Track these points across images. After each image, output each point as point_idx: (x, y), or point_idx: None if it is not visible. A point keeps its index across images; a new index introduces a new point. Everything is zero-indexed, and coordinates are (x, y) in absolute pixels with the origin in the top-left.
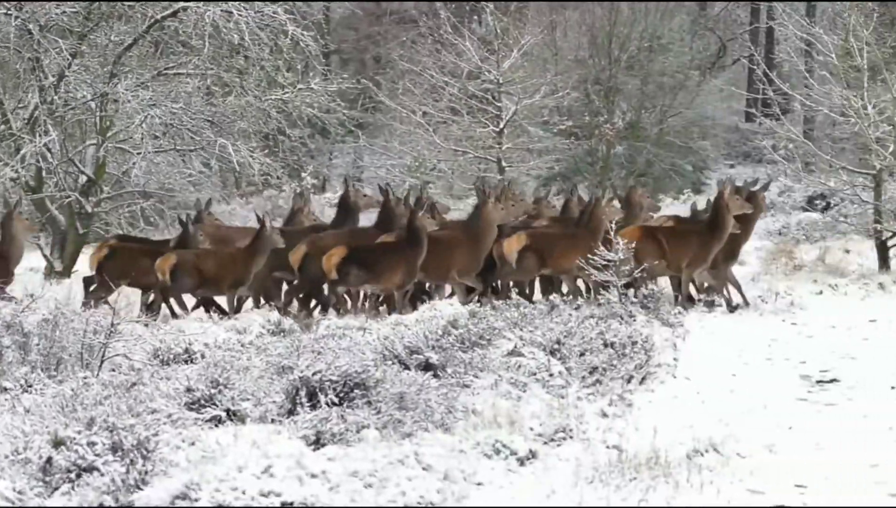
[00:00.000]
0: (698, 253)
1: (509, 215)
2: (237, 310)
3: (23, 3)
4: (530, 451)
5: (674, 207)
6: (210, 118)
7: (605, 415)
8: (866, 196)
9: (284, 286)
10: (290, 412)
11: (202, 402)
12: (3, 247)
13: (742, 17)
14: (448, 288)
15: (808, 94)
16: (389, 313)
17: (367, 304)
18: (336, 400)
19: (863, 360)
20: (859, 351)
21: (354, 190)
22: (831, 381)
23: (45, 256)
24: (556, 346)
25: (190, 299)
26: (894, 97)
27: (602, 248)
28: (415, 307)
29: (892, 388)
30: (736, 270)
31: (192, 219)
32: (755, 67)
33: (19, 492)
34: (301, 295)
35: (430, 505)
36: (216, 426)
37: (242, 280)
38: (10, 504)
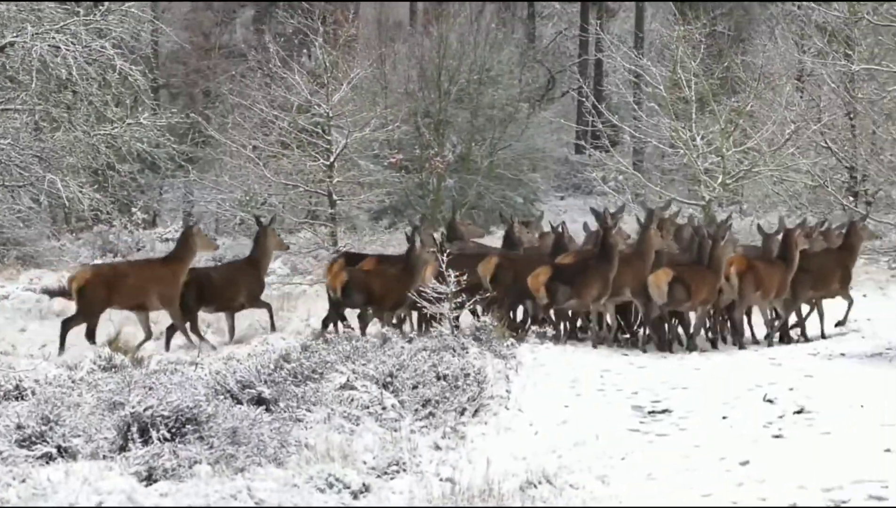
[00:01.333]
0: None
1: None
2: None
3: None
4: (363, 485)
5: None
6: (39, 154)
7: (438, 448)
8: None
9: None
10: (122, 448)
11: (33, 439)
12: None
13: (571, 49)
14: None
15: (637, 125)
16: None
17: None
18: (168, 436)
19: (694, 390)
20: (691, 381)
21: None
22: (663, 411)
23: None
24: (388, 379)
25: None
26: (722, 128)
27: None
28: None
29: (724, 418)
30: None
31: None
32: (584, 99)
33: None
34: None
35: None
36: (47, 462)
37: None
38: None
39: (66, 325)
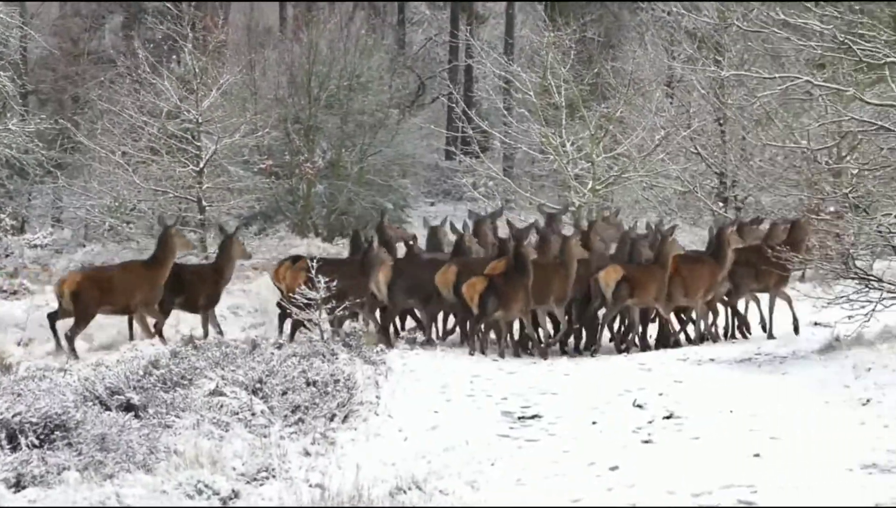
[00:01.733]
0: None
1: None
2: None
3: None
4: (233, 491)
5: None
6: None
7: (307, 454)
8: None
9: None
10: None
11: None
12: None
13: (441, 55)
14: None
15: (507, 131)
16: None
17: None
18: (37, 442)
19: (564, 396)
20: (561, 387)
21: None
22: (533, 417)
23: None
24: (258, 385)
25: None
26: (592, 134)
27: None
28: None
29: (594, 423)
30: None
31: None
32: (454, 105)
33: None
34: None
35: None
36: None
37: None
38: None
39: (68, 333)
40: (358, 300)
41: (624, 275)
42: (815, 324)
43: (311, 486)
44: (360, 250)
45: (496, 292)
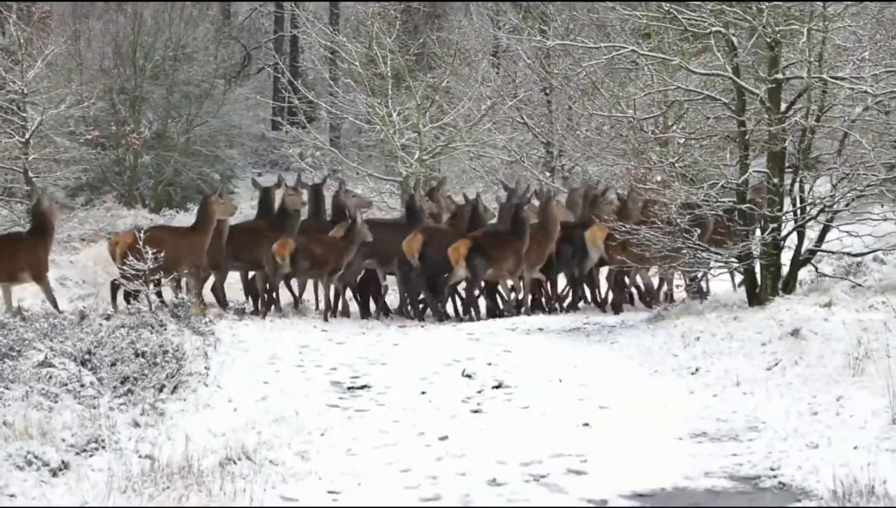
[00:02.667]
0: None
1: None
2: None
3: None
4: (62, 462)
5: None
6: None
7: (137, 425)
8: (393, 203)
9: None
10: None
11: None
12: None
13: (266, 25)
14: None
15: (334, 101)
16: None
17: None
18: None
19: (393, 366)
20: (390, 357)
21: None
22: (362, 387)
23: None
24: (87, 356)
25: None
26: (418, 104)
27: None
28: None
29: (423, 393)
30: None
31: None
32: (280, 76)
33: None
34: None
35: None
36: None
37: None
38: None
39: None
40: None
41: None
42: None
43: (140, 457)
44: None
45: (483, 252)
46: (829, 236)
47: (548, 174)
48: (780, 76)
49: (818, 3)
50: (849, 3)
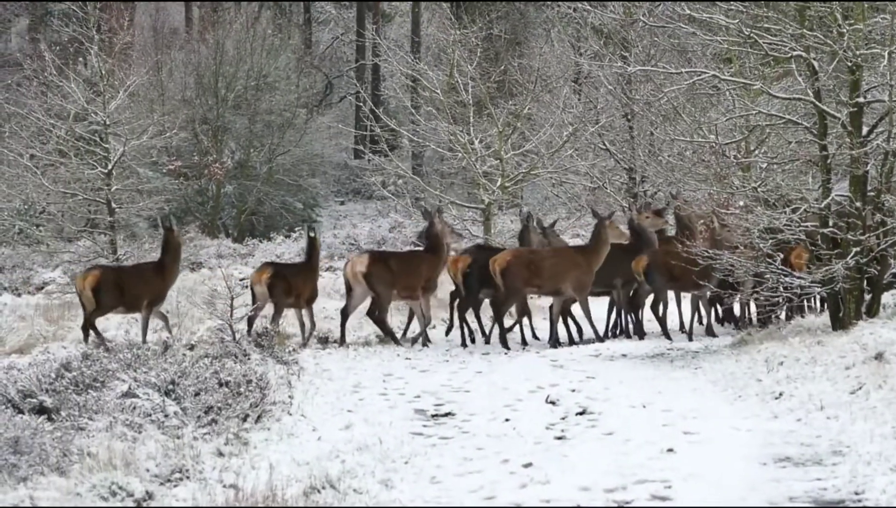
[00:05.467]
0: None
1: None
2: None
3: None
4: (147, 492)
5: (285, 245)
6: None
7: (221, 454)
8: (476, 230)
9: None
10: None
11: None
12: None
13: (348, 54)
14: None
15: (416, 129)
16: None
17: None
18: None
19: (477, 393)
20: (473, 385)
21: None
22: (446, 415)
23: None
24: (170, 386)
25: None
26: (500, 131)
27: None
28: None
29: (507, 420)
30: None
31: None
32: (362, 104)
33: None
34: None
35: None
36: None
37: None
38: None
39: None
40: None
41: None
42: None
43: (224, 487)
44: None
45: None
46: None
47: (631, 200)
48: (861, 100)
49: None
50: None
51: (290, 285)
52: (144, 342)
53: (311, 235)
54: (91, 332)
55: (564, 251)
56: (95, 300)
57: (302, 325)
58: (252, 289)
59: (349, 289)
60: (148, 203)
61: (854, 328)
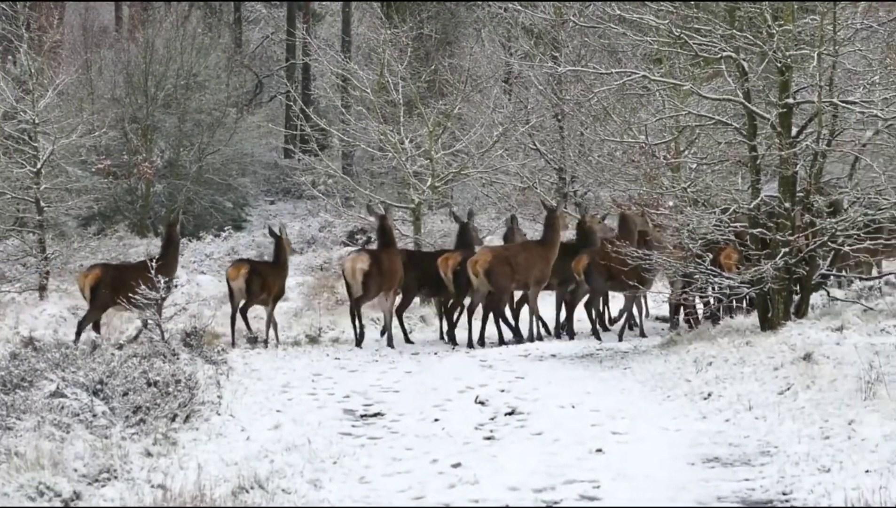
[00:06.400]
0: None
1: None
2: None
3: None
4: (74, 492)
5: (214, 244)
6: None
7: (149, 454)
8: (406, 230)
9: None
10: None
11: None
12: None
13: (278, 53)
14: None
15: (346, 129)
16: None
17: None
18: None
19: (406, 393)
20: (402, 385)
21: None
22: (375, 415)
23: None
24: (99, 386)
25: None
26: (430, 131)
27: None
28: None
29: (436, 420)
30: (279, 305)
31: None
32: (292, 104)
33: None
34: None
35: None
36: None
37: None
38: None
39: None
40: None
41: None
42: (657, 319)
43: (152, 487)
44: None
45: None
46: None
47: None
48: (790, 101)
49: (828, 28)
50: (859, 28)
51: (265, 282)
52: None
53: (278, 234)
54: (93, 330)
55: (531, 245)
56: (93, 297)
57: (269, 324)
58: (229, 284)
59: (348, 286)
60: (77, 202)
61: (783, 328)
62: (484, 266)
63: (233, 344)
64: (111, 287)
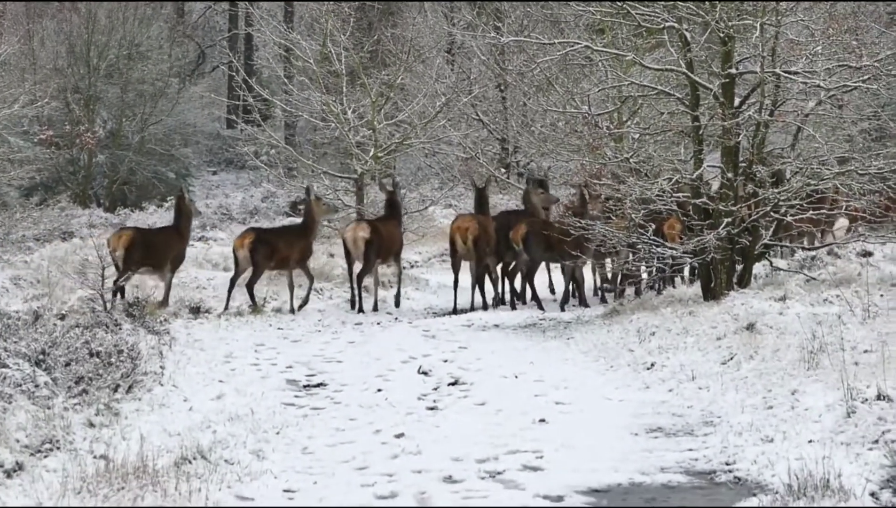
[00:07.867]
0: None
1: None
2: None
3: None
4: (17, 463)
5: (157, 214)
6: None
7: (92, 425)
8: (349, 200)
9: None
10: None
11: None
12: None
13: (221, 23)
14: None
15: (289, 99)
16: None
17: None
18: None
19: (349, 364)
20: (345, 355)
21: None
22: (318, 385)
23: None
24: (41, 356)
25: None
26: (373, 101)
27: None
28: None
29: (379, 391)
30: (224, 276)
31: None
32: (235, 74)
33: None
34: None
35: None
36: None
37: None
38: None
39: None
40: None
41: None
42: (601, 288)
43: (95, 457)
44: None
45: None
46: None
47: (503, 171)
48: (733, 71)
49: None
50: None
51: (273, 249)
52: (167, 303)
53: (306, 198)
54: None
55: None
56: (126, 259)
57: (292, 290)
58: (235, 254)
59: (348, 254)
60: (19, 173)
61: (725, 298)
62: (522, 235)
63: (226, 308)
64: (142, 250)
